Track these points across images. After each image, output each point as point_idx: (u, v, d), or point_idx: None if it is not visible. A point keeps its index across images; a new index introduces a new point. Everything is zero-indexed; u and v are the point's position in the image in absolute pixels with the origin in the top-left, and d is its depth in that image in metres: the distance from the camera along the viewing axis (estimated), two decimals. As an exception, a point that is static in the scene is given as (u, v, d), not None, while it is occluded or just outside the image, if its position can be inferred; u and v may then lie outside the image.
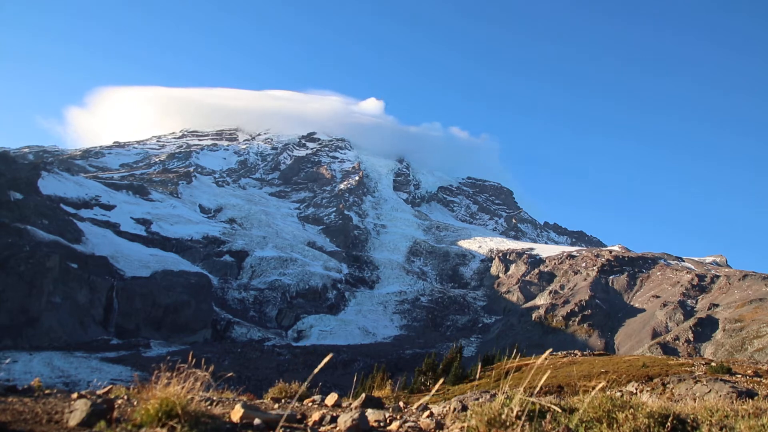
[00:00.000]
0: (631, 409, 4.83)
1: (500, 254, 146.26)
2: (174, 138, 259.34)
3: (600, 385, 4.77)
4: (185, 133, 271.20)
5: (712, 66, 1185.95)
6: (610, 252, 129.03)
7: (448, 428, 4.94)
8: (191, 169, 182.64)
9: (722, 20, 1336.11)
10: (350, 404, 6.81)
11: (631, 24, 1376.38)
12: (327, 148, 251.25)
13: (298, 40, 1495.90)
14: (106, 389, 6.16)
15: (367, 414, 5.27)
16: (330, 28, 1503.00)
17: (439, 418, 5.88)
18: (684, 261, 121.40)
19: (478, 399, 7.68)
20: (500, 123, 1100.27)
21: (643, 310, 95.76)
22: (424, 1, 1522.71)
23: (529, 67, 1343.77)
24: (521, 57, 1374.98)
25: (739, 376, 19.04)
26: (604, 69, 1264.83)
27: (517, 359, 23.77)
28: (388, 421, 5.28)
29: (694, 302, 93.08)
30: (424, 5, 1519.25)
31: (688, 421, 5.03)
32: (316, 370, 3.93)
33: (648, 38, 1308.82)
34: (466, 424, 4.50)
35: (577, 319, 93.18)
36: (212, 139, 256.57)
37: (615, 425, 4.69)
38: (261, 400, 7.49)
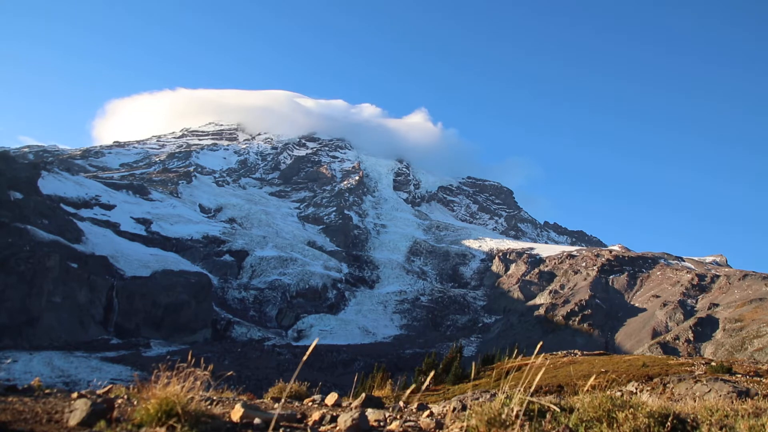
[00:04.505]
0: (631, 409, 4.82)
1: (500, 254, 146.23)
2: (174, 138, 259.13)
3: (591, 381, 4.77)
4: (185, 132, 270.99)
5: (712, 72, 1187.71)
6: (610, 252, 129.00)
7: (448, 428, 4.94)
8: (191, 169, 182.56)
9: (708, 29, 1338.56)
10: (350, 404, 6.81)
11: (626, 36, 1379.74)
12: (327, 148, 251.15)
13: (299, 44, 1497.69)
14: (106, 389, 6.16)
15: (367, 413, 5.27)
16: (340, 44, 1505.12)
17: (439, 417, 5.88)
18: (684, 261, 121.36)
19: (478, 399, 7.68)
20: (502, 124, 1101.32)
21: (644, 310, 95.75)
22: (420, 13, 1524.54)
23: (529, 74, 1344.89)
24: (525, 65, 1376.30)
25: (739, 375, 19.04)
26: (604, 76, 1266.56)
27: (518, 359, 23.76)
28: (388, 420, 5.27)
29: (694, 302, 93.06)
30: (417, 15, 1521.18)
31: (688, 420, 5.03)
32: (304, 358, 3.93)
33: (646, 50, 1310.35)
34: (465, 424, 4.50)
35: (577, 319, 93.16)
36: (212, 138, 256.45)
37: (615, 425, 4.69)
38: (261, 400, 7.50)
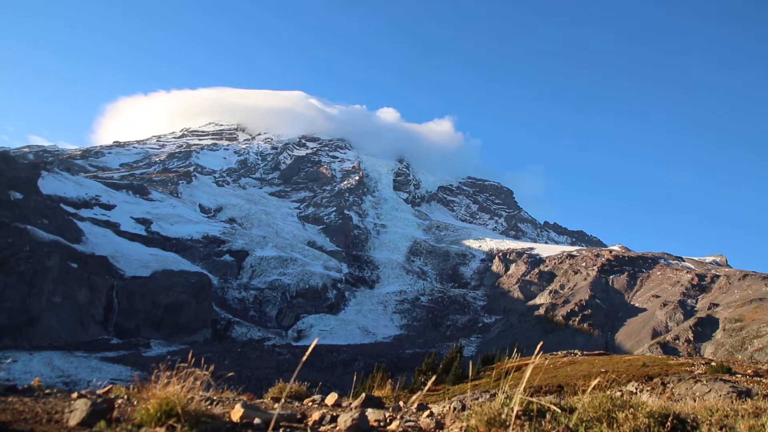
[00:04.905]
0: (631, 409, 4.82)
1: (500, 254, 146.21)
2: (174, 138, 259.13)
3: (594, 382, 4.77)
4: (185, 132, 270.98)
5: (712, 73, 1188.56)
6: (610, 252, 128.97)
7: (448, 428, 4.94)
8: (191, 169, 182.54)
9: (708, 30, 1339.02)
10: (350, 404, 6.81)
11: (626, 37, 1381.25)
12: (327, 148, 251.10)
13: (298, 46, 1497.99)
14: (106, 389, 6.17)
15: (367, 413, 5.27)
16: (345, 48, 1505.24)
17: (439, 417, 5.88)
18: (684, 261, 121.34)
19: (477, 399, 7.68)
20: (502, 125, 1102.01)
21: (644, 310, 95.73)
22: (426, 20, 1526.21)
23: (530, 74, 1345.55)
24: (526, 65, 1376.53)
25: (739, 375, 19.03)
26: (605, 77, 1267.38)
27: (517, 359, 23.76)
28: (388, 420, 5.27)
29: (694, 302, 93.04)
30: (421, 22, 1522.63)
31: (688, 420, 5.03)
32: (303, 358, 3.94)
33: (645, 51, 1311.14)
34: (465, 424, 4.50)
35: (577, 319, 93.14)
36: (212, 138, 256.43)
37: (615, 425, 4.69)
38: (261, 400, 7.50)
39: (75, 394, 5.12)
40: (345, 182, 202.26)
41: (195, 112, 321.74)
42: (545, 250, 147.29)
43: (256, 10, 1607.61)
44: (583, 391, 5.23)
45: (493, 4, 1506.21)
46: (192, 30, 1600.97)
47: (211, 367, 4.56)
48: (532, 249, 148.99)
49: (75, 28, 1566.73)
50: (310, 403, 6.95)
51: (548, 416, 4.63)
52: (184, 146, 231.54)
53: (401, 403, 7.59)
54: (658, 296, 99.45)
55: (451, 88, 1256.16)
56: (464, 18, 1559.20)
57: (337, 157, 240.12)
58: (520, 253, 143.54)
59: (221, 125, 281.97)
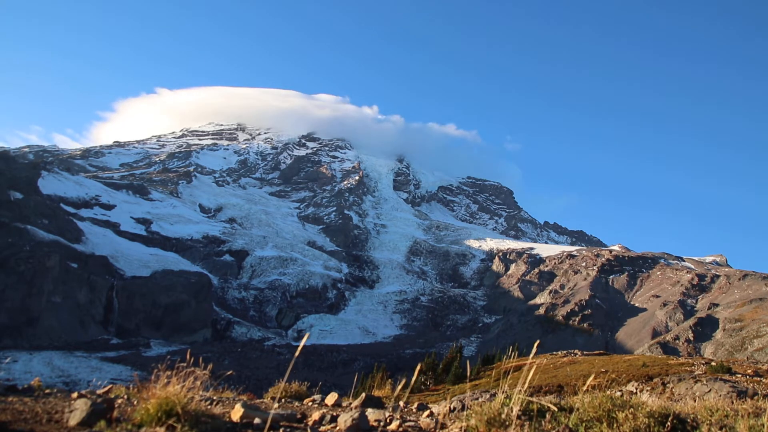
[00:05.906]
0: (631, 409, 4.82)
1: (500, 254, 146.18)
2: (174, 137, 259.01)
3: (590, 380, 4.77)
4: (185, 132, 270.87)
5: (712, 75, 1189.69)
6: (610, 252, 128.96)
7: (448, 428, 4.94)
8: (191, 169, 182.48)
9: (710, 32, 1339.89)
10: (350, 404, 6.81)
11: (626, 39, 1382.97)
12: (327, 148, 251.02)
13: (296, 46, 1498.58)
14: (106, 389, 6.17)
15: (367, 413, 5.27)
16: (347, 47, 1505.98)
17: (439, 417, 5.88)
18: (684, 261, 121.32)
19: (477, 398, 7.68)
20: (497, 124, 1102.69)
21: (644, 310, 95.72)
22: (417, 18, 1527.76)
23: (530, 76, 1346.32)
24: (521, 65, 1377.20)
25: (739, 375, 19.02)
26: (605, 78, 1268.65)
27: (515, 358, 23.73)
28: (388, 420, 5.27)
29: (694, 302, 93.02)
30: (413, 21, 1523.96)
31: (688, 420, 5.03)
32: (296, 353, 3.93)
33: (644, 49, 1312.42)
34: (465, 424, 4.50)
35: (577, 319, 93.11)
36: (212, 138, 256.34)
37: (615, 425, 4.69)
38: (261, 400, 7.50)
39: (75, 394, 5.12)
40: (345, 182, 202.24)
41: (195, 112, 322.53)
42: (545, 250, 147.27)
43: (266, 15, 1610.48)
44: (584, 391, 5.24)
45: (493, 6, 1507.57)
46: (192, 31, 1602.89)
47: (211, 367, 4.56)
48: (532, 249, 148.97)
49: (75, 30, 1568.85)
50: (310, 403, 6.95)
51: (548, 416, 4.63)
52: (184, 146, 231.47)
53: (401, 403, 7.59)
54: (658, 296, 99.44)
55: (449, 89, 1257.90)
56: (463, 20, 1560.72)
57: (337, 157, 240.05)
58: (520, 253, 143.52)
59: (221, 125, 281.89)
